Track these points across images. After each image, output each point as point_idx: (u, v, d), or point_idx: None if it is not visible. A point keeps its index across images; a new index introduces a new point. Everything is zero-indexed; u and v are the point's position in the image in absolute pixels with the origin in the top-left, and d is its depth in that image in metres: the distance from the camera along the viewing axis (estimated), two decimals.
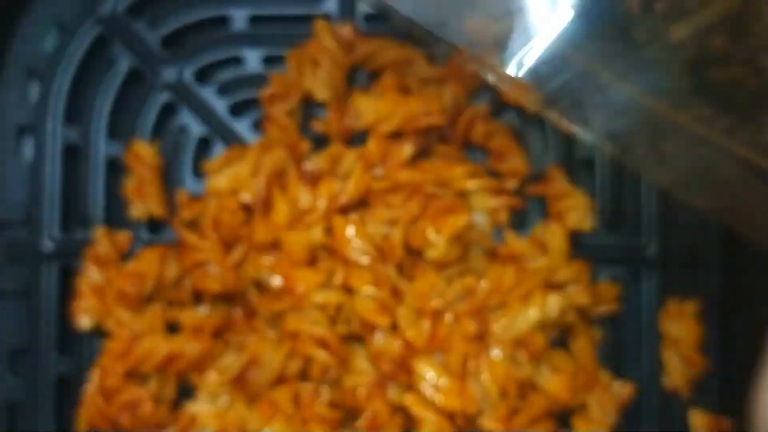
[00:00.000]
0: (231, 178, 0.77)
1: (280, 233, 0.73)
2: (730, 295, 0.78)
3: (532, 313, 0.70)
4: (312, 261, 0.74)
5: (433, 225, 0.71)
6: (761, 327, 0.74)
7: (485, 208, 0.76)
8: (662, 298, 0.78)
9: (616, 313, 0.78)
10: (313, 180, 0.75)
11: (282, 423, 0.73)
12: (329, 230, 0.74)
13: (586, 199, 0.78)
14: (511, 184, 0.79)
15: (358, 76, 0.80)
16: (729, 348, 0.78)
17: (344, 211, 0.75)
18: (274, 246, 0.74)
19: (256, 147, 0.77)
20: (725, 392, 0.78)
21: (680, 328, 0.77)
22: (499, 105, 0.80)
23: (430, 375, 0.70)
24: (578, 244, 0.79)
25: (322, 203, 0.73)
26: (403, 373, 0.71)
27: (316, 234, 0.73)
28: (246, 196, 0.75)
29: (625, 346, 0.79)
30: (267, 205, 0.74)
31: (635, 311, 0.79)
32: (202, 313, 0.76)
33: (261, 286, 0.76)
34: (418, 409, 0.71)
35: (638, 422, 0.78)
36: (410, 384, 0.72)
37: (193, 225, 0.78)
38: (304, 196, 0.74)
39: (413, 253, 0.74)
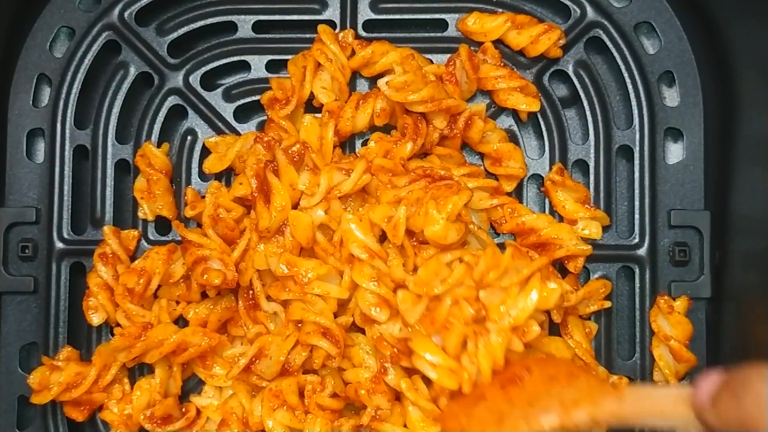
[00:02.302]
0: (224, 159, 0.79)
1: (284, 215, 0.75)
2: (719, 293, 0.80)
3: (530, 299, 0.70)
4: (314, 244, 0.75)
5: (435, 204, 0.72)
6: (748, 323, 0.77)
7: (483, 207, 0.79)
8: (653, 296, 0.80)
9: (609, 309, 0.80)
10: (298, 160, 0.76)
11: (287, 414, 0.75)
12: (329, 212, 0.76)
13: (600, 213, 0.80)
14: (509, 187, 0.81)
15: (358, 83, 0.83)
16: (717, 343, 0.79)
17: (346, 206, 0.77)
18: (279, 232, 0.75)
19: (248, 133, 0.80)
20: None
21: (670, 325, 0.79)
22: (496, 109, 0.83)
23: (428, 355, 0.70)
24: None
25: (322, 185, 0.75)
26: (404, 357, 0.73)
27: (319, 213, 0.75)
28: (240, 191, 0.77)
29: (618, 341, 0.81)
30: (266, 193, 0.76)
31: (627, 308, 0.81)
32: (207, 307, 0.78)
33: (264, 278, 0.77)
34: (411, 395, 0.73)
35: None
36: (410, 368, 0.73)
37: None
38: (303, 180, 0.76)
39: (416, 245, 0.76)
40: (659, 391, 0.64)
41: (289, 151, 0.77)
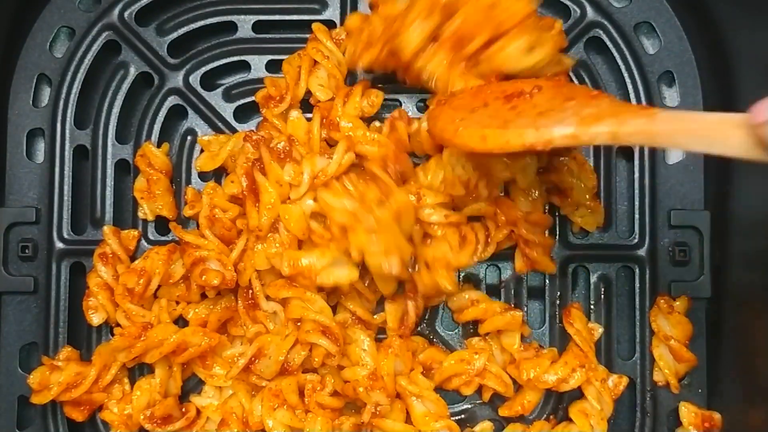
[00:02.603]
0: (217, 158, 0.79)
1: (275, 211, 0.74)
2: (719, 293, 0.80)
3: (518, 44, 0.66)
4: (311, 234, 0.74)
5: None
6: (748, 323, 0.77)
7: None
8: (653, 296, 0.80)
9: (609, 309, 0.81)
10: (284, 157, 0.76)
11: (287, 413, 0.75)
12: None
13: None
14: None
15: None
16: (717, 343, 0.79)
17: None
18: (273, 229, 0.75)
19: (240, 132, 0.80)
20: (714, 386, 0.80)
21: (670, 325, 0.79)
22: None
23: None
24: (571, 244, 0.81)
25: (306, 172, 0.74)
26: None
27: (309, 203, 0.74)
28: (231, 189, 0.77)
29: (618, 341, 0.81)
30: (256, 192, 0.75)
31: (627, 308, 0.81)
32: (207, 307, 0.78)
33: (264, 278, 0.77)
34: (412, 389, 0.74)
35: (630, 415, 0.80)
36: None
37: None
38: (288, 171, 0.75)
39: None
40: (700, 113, 0.54)
41: (276, 148, 0.76)
